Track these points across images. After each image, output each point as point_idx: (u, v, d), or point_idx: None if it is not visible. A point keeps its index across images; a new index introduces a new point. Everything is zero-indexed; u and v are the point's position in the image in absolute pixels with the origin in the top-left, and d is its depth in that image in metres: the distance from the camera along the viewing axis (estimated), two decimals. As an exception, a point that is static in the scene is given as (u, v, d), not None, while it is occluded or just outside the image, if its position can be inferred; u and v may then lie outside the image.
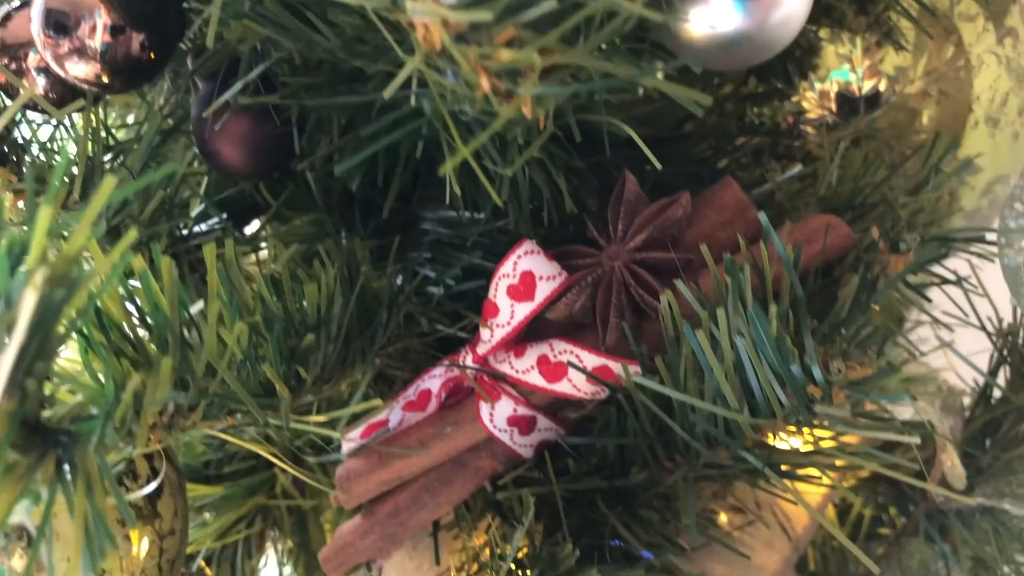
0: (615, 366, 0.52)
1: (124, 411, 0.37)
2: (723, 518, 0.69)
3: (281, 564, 0.82)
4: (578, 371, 0.53)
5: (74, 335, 0.42)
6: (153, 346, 0.41)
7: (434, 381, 0.59)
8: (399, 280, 0.57)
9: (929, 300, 0.55)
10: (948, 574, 0.74)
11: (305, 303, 0.47)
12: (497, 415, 0.57)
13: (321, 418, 0.46)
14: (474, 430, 0.58)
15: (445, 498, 0.59)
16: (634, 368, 0.51)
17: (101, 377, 0.41)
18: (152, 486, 0.56)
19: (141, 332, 0.42)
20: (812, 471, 0.55)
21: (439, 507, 0.59)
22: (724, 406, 0.46)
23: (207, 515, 0.78)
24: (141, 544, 0.59)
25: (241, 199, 0.71)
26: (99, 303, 0.40)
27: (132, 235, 0.36)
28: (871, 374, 0.44)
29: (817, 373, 0.43)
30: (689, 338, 0.45)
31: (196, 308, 0.43)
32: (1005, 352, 0.62)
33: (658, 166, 0.48)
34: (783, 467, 0.55)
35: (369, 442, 0.60)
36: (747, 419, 0.45)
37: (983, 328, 0.62)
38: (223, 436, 0.49)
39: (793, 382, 0.43)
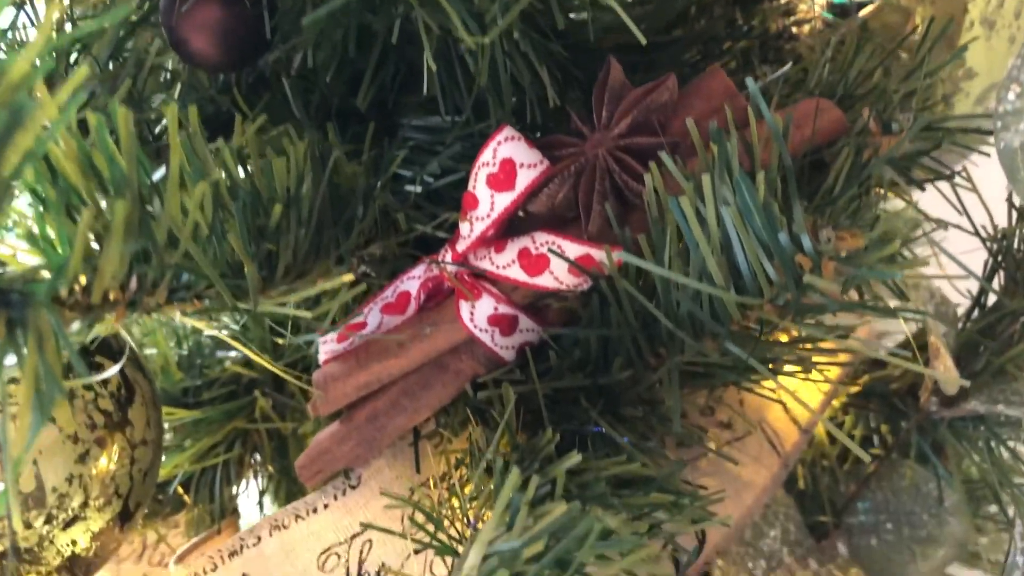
0: (597, 253, 0.50)
1: (77, 264, 0.36)
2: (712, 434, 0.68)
3: (262, 491, 0.80)
4: (560, 260, 0.51)
5: (29, 197, 0.40)
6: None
7: (412, 283, 0.57)
8: (375, 176, 0.55)
9: (922, 189, 0.54)
10: (940, 495, 0.73)
11: (274, 182, 0.45)
12: (478, 314, 0.55)
13: (292, 298, 0.44)
14: (454, 330, 0.56)
15: (425, 402, 0.57)
16: (617, 255, 0.50)
17: (56, 241, 0.39)
18: (116, 369, 0.54)
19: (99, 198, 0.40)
20: (802, 366, 0.54)
21: (419, 411, 0.57)
22: (710, 284, 0.44)
23: (186, 441, 0.76)
24: (111, 450, 0.57)
25: (217, 115, 0.69)
26: (53, 160, 0.38)
27: (83, 72, 0.34)
28: (863, 247, 0.42)
29: (806, 242, 0.41)
30: (673, 210, 0.44)
31: (157, 174, 0.41)
32: (999, 257, 0.60)
33: (643, 40, 0.46)
34: (771, 364, 0.54)
35: (348, 345, 0.58)
36: (733, 297, 0.44)
37: (976, 233, 0.61)
38: (193, 322, 0.47)
39: (781, 252, 0.42)
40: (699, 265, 0.45)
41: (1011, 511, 0.67)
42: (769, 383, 0.57)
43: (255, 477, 0.79)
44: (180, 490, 0.78)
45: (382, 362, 0.57)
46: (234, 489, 0.76)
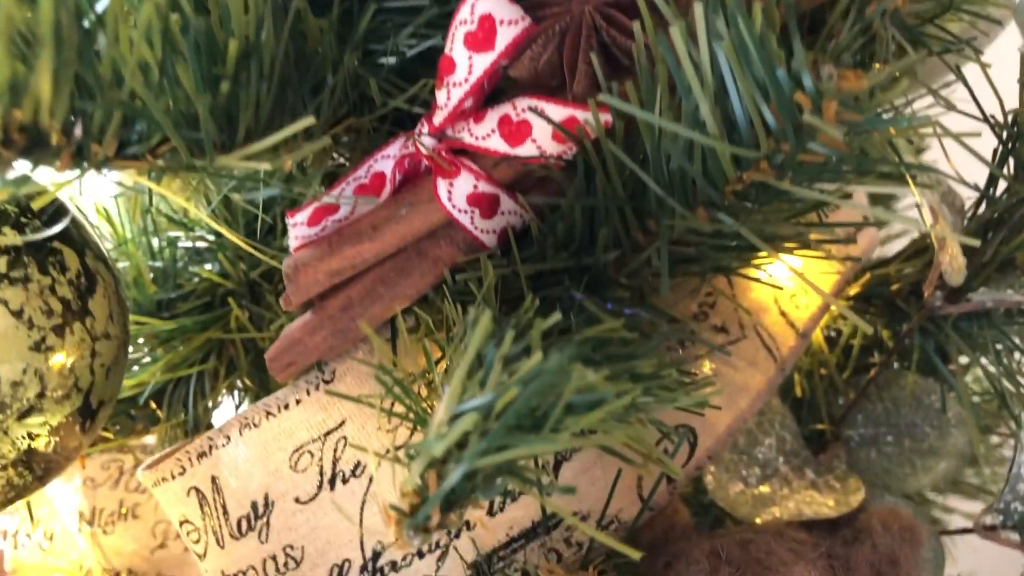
0: (583, 114, 0.47)
1: (2, 80, 0.32)
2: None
3: (238, 406, 0.77)
4: (543, 126, 0.47)
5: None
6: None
7: (387, 162, 0.54)
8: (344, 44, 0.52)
9: (930, 52, 0.50)
10: (942, 407, 0.70)
11: (230, 23, 0.42)
12: (456, 193, 0.52)
13: (252, 148, 0.41)
14: (431, 211, 0.53)
15: (402, 290, 0.54)
16: (605, 117, 0.46)
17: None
18: (55, 231, 0.51)
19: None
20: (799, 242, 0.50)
21: (395, 300, 0.54)
22: (703, 135, 0.41)
23: (158, 350, 0.73)
24: (70, 340, 0.54)
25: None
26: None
27: None
28: (867, 89, 0.39)
29: (806, 79, 0.38)
30: (663, 50, 0.40)
31: (100, 5, 0.38)
32: (1011, 143, 0.57)
33: None
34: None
35: (320, 230, 0.55)
36: (727, 147, 0.40)
37: (985, 118, 0.57)
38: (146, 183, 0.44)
39: (779, 91, 0.38)
40: (692, 115, 0.41)
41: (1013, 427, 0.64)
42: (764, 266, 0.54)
43: (231, 393, 0.76)
44: (153, 405, 0.75)
45: (355, 246, 0.53)
46: (208, 402, 0.73)
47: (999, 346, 0.61)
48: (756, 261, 0.53)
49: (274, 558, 0.60)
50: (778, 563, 0.48)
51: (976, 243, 0.52)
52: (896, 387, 0.70)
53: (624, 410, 0.38)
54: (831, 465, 0.68)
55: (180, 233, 0.78)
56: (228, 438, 0.59)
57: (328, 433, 0.57)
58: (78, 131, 0.40)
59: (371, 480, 0.57)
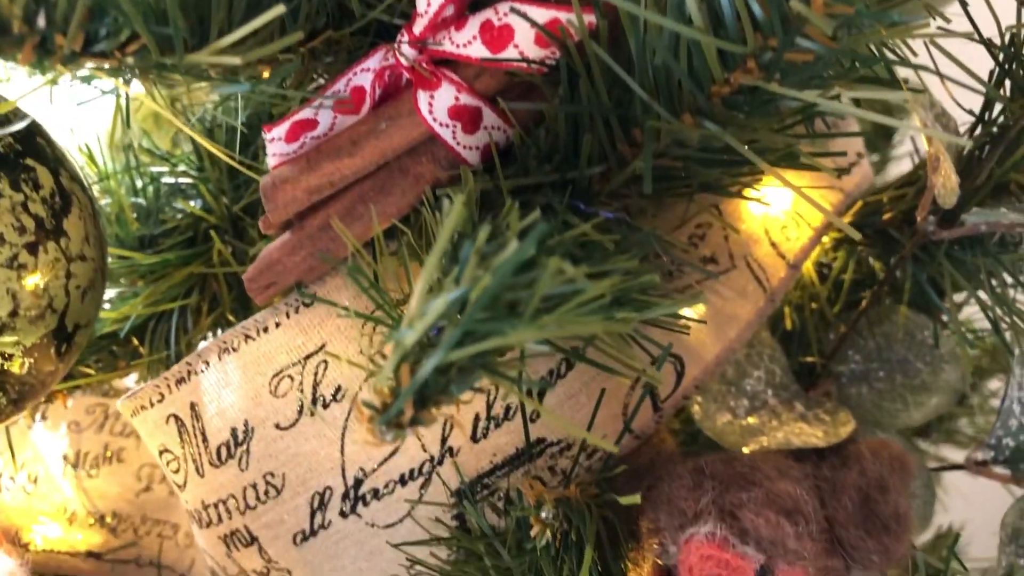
0: (566, 16, 0.45)
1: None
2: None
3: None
4: (525, 30, 0.46)
5: None
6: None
7: (366, 75, 0.52)
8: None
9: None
10: (935, 342, 0.69)
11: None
12: (437, 105, 0.51)
13: (223, 42, 0.39)
14: (412, 125, 0.51)
15: (382, 209, 0.53)
16: (588, 18, 0.45)
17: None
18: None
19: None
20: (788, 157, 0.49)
21: (376, 219, 0.53)
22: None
23: (139, 283, 0.72)
24: (44, 258, 0.53)
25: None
26: None
27: None
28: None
29: (794, -37, 0.36)
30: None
31: None
32: (1008, 64, 0.56)
33: None
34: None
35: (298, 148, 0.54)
36: (713, 40, 0.39)
37: (980, 38, 0.56)
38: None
39: (766, -23, 0.37)
40: (677, 7, 0.40)
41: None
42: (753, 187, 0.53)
43: (214, 330, 0.75)
44: (135, 342, 0.74)
45: (334, 162, 0.52)
46: (191, 337, 0.72)
47: (992, 275, 0.60)
48: (745, 179, 0.51)
49: (254, 486, 0.59)
50: (762, 478, 0.47)
51: (965, 143, 0.51)
52: (888, 322, 0.69)
53: (603, 308, 0.37)
54: (821, 400, 0.67)
55: (163, 168, 0.77)
56: (207, 363, 0.58)
57: (308, 357, 0.56)
58: (41, 20, 0.38)
59: (353, 404, 0.56)
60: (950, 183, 0.53)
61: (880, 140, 0.95)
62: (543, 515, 0.44)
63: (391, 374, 0.35)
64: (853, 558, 0.48)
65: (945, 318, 0.69)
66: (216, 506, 0.61)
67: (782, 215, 0.67)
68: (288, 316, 0.56)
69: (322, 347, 0.56)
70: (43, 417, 0.83)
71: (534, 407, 0.57)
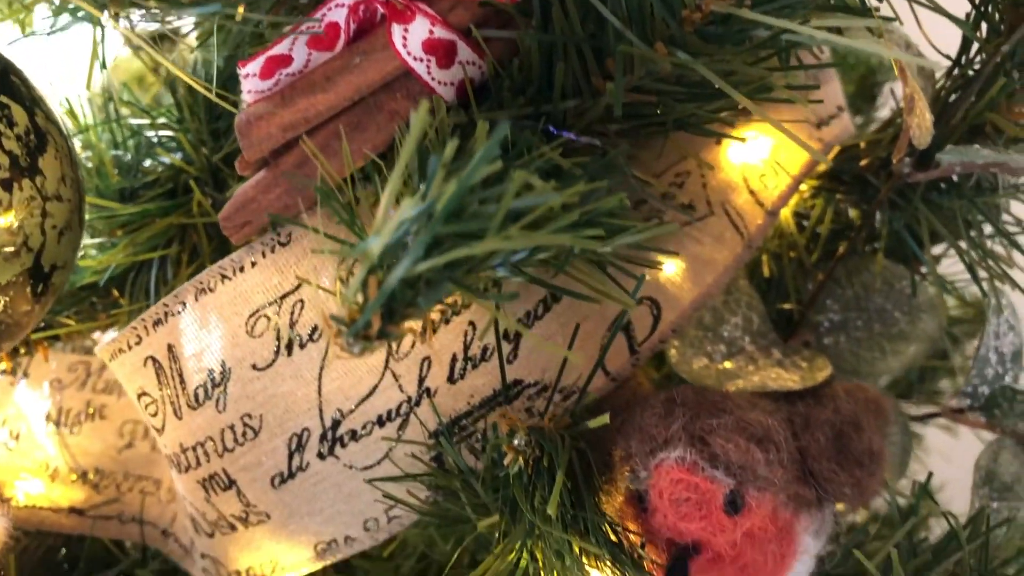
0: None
1: None
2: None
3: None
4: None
5: None
6: None
7: (340, 11, 0.52)
8: None
9: None
10: (913, 292, 0.69)
11: None
12: (411, 39, 0.50)
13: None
14: (386, 59, 0.51)
15: (357, 145, 0.53)
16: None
17: None
18: None
19: None
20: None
21: (352, 156, 0.53)
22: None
23: (119, 232, 0.72)
24: (18, 196, 0.53)
25: None
26: None
27: None
28: None
29: None
30: None
31: None
32: (984, 6, 0.56)
33: None
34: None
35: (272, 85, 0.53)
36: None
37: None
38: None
39: None
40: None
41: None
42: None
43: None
44: (115, 293, 0.74)
45: (308, 97, 0.52)
46: (172, 287, 0.72)
47: (970, 223, 0.61)
48: (722, 115, 0.52)
49: (232, 428, 0.59)
50: (734, 407, 0.47)
51: (935, 68, 0.51)
52: (866, 272, 0.69)
53: (572, 226, 0.37)
54: (799, 348, 0.67)
55: (143, 121, 0.77)
56: (183, 304, 0.58)
57: (284, 296, 0.56)
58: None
59: (329, 344, 0.56)
60: (925, 123, 0.53)
61: (863, 102, 0.95)
62: (515, 442, 0.44)
63: (359, 287, 0.35)
64: (825, 490, 0.49)
65: (924, 268, 0.69)
66: (194, 449, 0.61)
67: (760, 164, 0.67)
68: (264, 255, 0.56)
69: (298, 286, 0.56)
70: (25, 375, 0.82)
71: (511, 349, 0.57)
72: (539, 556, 0.49)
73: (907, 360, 0.68)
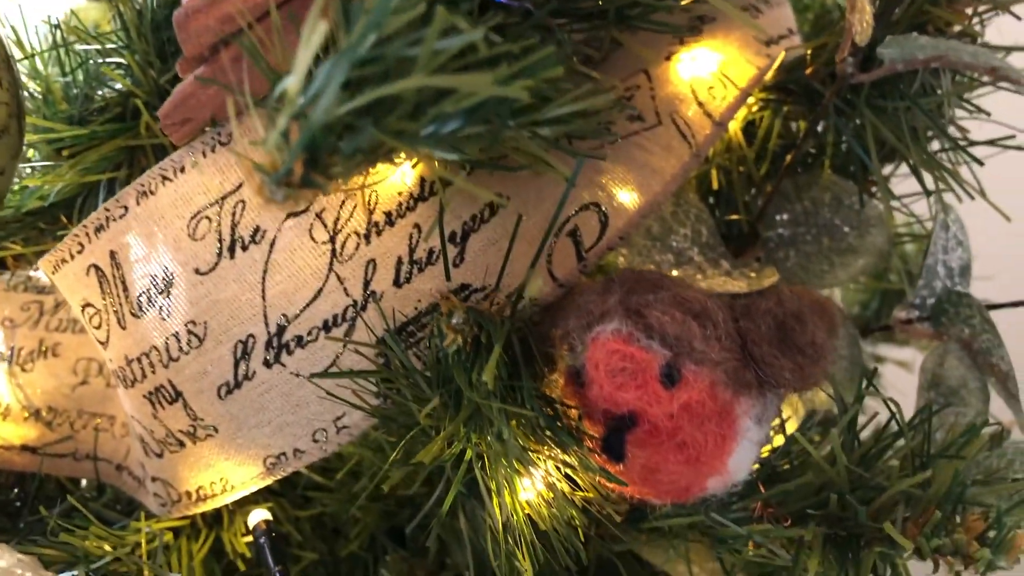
0: None
1: None
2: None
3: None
4: None
5: None
6: None
7: (281, -98, 0.52)
8: None
9: None
10: (862, 207, 0.70)
11: None
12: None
13: None
14: (324, -51, 0.51)
15: (295, 37, 0.52)
16: None
17: None
18: None
19: None
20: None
21: (288, 47, 0.52)
22: None
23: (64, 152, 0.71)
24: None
25: None
26: None
27: None
28: None
29: None
30: None
31: None
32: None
33: None
34: None
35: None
36: None
37: None
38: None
39: None
40: None
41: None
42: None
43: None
44: (63, 218, 0.74)
45: (247, -11, 0.52)
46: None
47: (916, 130, 0.61)
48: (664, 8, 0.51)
49: (176, 336, 0.59)
50: (671, 284, 0.47)
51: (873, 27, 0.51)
52: (815, 188, 0.69)
53: (505, 81, 0.37)
54: (748, 261, 0.67)
55: (90, 47, 0.76)
56: (125, 209, 0.57)
57: (226, 196, 0.56)
58: None
59: (272, 246, 0.56)
60: (866, 18, 0.53)
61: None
62: (454, 321, 0.44)
63: (280, 133, 0.35)
64: (765, 374, 0.49)
65: (874, 185, 0.69)
66: (139, 360, 0.60)
67: (709, 76, 0.67)
68: (204, 155, 0.55)
69: (239, 186, 0.55)
70: (-25, 315, 0.81)
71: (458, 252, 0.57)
72: (482, 444, 0.49)
73: (856, 272, 0.69)
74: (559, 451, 0.45)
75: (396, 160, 0.51)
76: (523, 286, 0.54)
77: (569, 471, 0.48)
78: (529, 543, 0.51)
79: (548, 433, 0.43)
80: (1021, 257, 0.96)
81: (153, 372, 0.60)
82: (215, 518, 0.75)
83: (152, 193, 0.56)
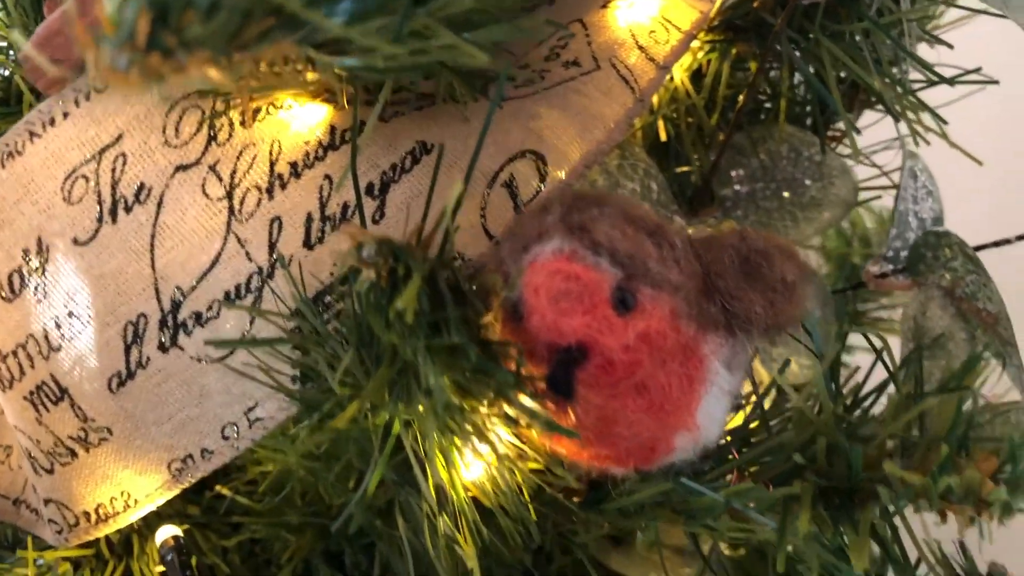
0: None
1: None
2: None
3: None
4: None
5: None
6: None
7: None
8: None
9: None
10: (823, 159, 0.64)
11: None
12: None
13: None
14: None
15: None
16: None
17: None
18: None
19: None
20: None
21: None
22: None
23: None
24: None
25: None
26: None
27: None
28: None
29: None
30: None
31: None
32: None
33: None
34: None
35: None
36: None
37: None
38: None
39: None
40: None
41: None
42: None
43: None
44: None
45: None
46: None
47: (879, 60, 0.55)
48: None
49: (56, 321, 0.51)
50: (618, 200, 0.41)
51: None
52: (771, 141, 0.64)
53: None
54: (705, 219, 0.61)
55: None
56: (-11, 174, 0.50)
57: (104, 150, 0.48)
58: None
59: (159, 206, 0.49)
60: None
61: None
62: (364, 253, 0.37)
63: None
64: (733, 308, 0.42)
65: (835, 130, 0.64)
66: (15, 354, 0.52)
67: (649, 22, 0.61)
68: (77, 104, 0.48)
69: (119, 138, 0.48)
70: None
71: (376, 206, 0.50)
72: (411, 412, 0.41)
73: (823, 225, 0.63)
74: (499, 403, 0.37)
75: (292, 84, 0.44)
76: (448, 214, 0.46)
77: (512, 433, 0.40)
78: (472, 524, 0.43)
79: (482, 376, 0.36)
80: (991, 203, 0.90)
81: (32, 366, 0.52)
82: (124, 547, 0.66)
83: (19, 153, 0.49)
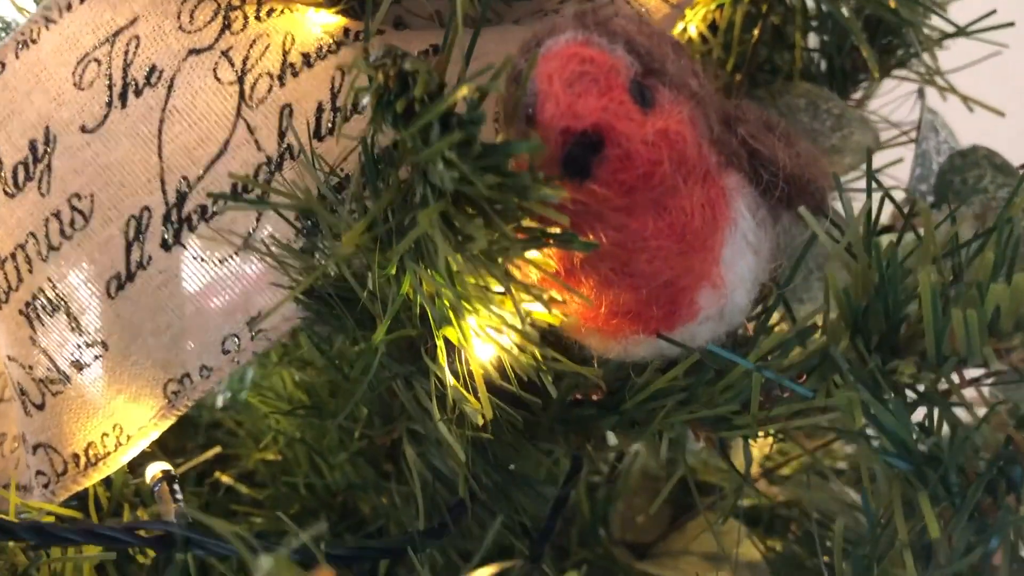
0: None
1: None
2: None
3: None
4: None
5: None
6: None
7: None
8: None
9: None
10: (842, 111, 0.63)
11: None
12: None
13: None
14: None
15: None
16: None
17: None
18: None
19: None
20: None
21: None
22: None
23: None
24: None
25: None
26: None
27: None
28: None
29: None
30: None
31: None
32: None
33: None
34: None
35: None
36: None
37: None
38: None
39: None
40: None
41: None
42: None
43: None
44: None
45: None
46: None
47: None
48: None
49: (58, 215, 0.49)
50: (634, 14, 0.39)
51: None
52: (788, 95, 0.63)
53: None
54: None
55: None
56: (2, 65, 0.50)
57: (118, 32, 0.48)
58: None
59: (169, 89, 0.48)
60: None
61: None
62: (371, 58, 0.35)
63: None
64: (755, 147, 0.40)
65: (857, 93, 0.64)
66: (14, 257, 0.51)
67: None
68: (95, -12, 0.48)
69: (134, 20, 0.48)
70: None
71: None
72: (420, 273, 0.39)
73: (843, 170, 0.61)
74: (511, 236, 0.34)
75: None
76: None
77: (525, 285, 0.38)
78: (483, 387, 0.40)
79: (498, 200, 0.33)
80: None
81: (30, 271, 0.50)
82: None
83: (33, 42, 0.49)
